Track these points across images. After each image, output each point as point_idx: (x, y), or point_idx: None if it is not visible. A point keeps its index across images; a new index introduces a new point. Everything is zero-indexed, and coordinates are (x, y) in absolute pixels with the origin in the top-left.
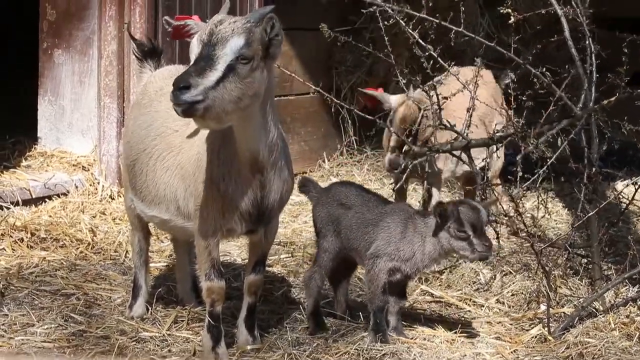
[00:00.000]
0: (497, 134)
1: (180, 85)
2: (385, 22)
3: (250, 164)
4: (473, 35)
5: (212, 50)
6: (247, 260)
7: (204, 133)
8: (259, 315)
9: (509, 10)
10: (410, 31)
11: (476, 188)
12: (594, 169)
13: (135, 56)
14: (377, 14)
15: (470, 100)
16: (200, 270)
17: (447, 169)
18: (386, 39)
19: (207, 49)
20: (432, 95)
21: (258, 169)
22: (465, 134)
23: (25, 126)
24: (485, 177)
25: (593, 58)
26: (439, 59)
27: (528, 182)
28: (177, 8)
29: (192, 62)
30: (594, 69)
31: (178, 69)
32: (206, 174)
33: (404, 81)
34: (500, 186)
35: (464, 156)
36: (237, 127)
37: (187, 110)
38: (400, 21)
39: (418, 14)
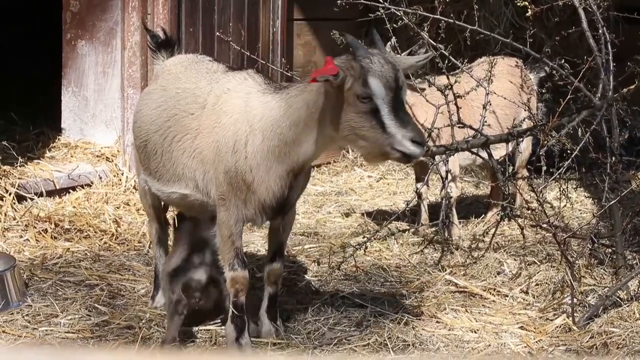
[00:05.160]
0: (516, 129)
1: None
2: (394, 25)
3: (294, 169)
4: (489, 33)
5: (403, 96)
6: None
7: (221, 120)
8: (283, 305)
9: (526, 3)
10: (421, 32)
11: (499, 184)
12: (614, 158)
13: (150, 47)
14: (384, 16)
15: (485, 96)
16: (223, 260)
17: (465, 157)
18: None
19: (401, 96)
20: (448, 94)
21: (296, 174)
22: (482, 130)
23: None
24: (507, 172)
25: (609, 47)
26: (450, 57)
27: (553, 177)
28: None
29: (393, 109)
30: (610, 57)
31: (188, 58)
32: (229, 163)
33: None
34: (521, 179)
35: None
36: (320, 147)
37: None
38: (410, 23)
39: (431, 15)
